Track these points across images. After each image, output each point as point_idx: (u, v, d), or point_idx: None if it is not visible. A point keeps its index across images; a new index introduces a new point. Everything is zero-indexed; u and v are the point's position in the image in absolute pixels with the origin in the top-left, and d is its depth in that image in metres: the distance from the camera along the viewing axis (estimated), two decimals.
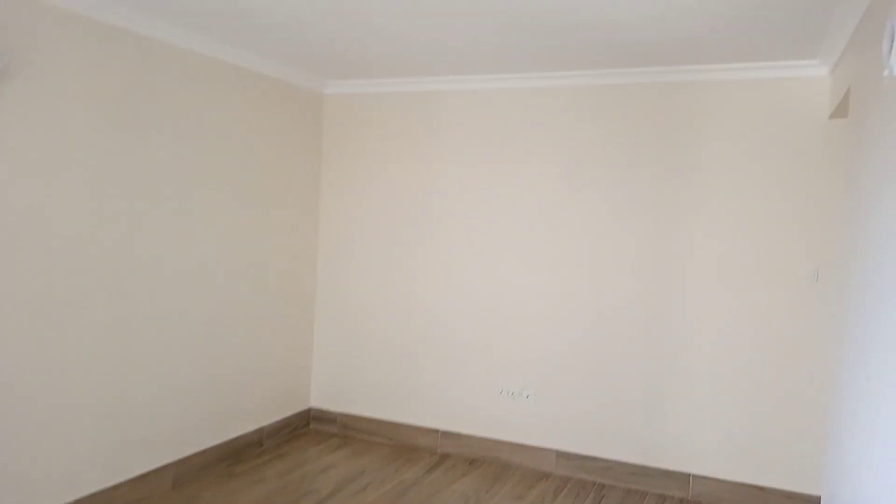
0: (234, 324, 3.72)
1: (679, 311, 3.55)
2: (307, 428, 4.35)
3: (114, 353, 3.04)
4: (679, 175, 3.55)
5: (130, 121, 3.06)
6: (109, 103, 2.96)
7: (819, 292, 3.30)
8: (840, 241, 3.25)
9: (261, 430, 3.95)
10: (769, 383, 3.39)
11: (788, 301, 3.35)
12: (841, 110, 2.99)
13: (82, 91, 2.84)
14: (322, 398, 4.37)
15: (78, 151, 2.84)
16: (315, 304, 4.38)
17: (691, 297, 3.53)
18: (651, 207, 3.60)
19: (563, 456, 3.77)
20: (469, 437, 3.98)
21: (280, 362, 4.10)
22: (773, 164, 3.38)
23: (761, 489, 3.40)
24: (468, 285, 4.00)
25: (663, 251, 3.58)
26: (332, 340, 4.34)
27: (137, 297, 3.14)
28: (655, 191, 3.59)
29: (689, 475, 3.53)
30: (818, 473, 3.29)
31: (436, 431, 4.06)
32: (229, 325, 3.69)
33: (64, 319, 2.82)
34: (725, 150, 3.46)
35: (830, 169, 3.28)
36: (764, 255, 3.40)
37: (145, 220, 3.16)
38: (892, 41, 1.57)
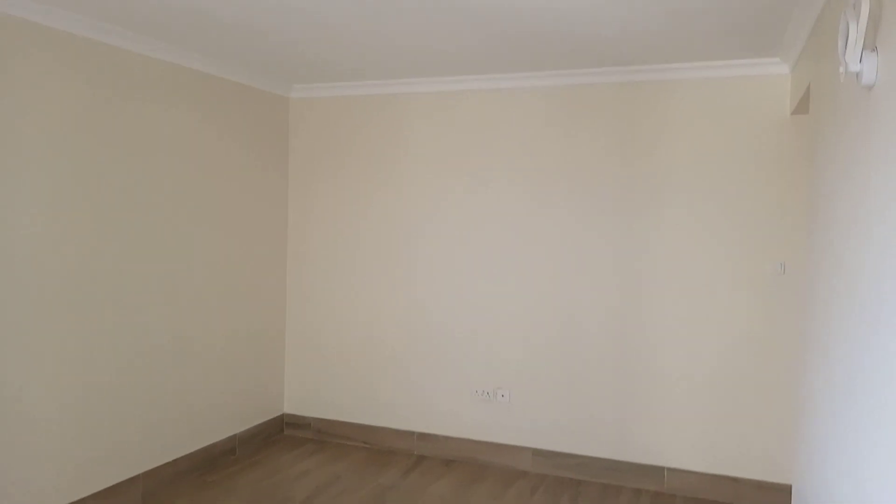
0: (201, 332, 3.66)
1: (649, 310, 3.59)
2: (281, 434, 4.31)
3: (77, 366, 2.97)
4: (644, 173, 3.58)
5: (90, 130, 3.00)
6: (68, 112, 2.89)
7: (786, 286, 3.36)
8: (804, 235, 3.32)
9: (234, 437, 3.90)
10: (739, 377, 3.44)
11: (756, 296, 3.41)
12: (802, 107, 3.05)
13: (39, 101, 2.77)
14: (296, 404, 4.33)
15: (35, 161, 2.77)
16: (285, 310, 4.33)
17: (660, 296, 3.57)
18: (618, 208, 3.63)
19: (539, 454, 3.78)
20: (445, 439, 3.97)
21: (251, 369, 4.05)
22: (737, 161, 3.43)
23: (734, 480, 3.45)
24: (440, 289, 3.99)
25: (632, 251, 3.61)
26: (304, 346, 4.30)
27: (101, 308, 3.07)
28: (622, 190, 3.63)
29: (663, 469, 3.57)
30: (789, 463, 3.35)
31: (412, 434, 4.05)
32: (197, 334, 3.63)
33: (25, 333, 2.75)
34: (690, 148, 3.51)
35: (794, 164, 3.34)
36: (731, 251, 3.45)
37: (107, 229, 3.10)
38: (847, 39, 1.61)
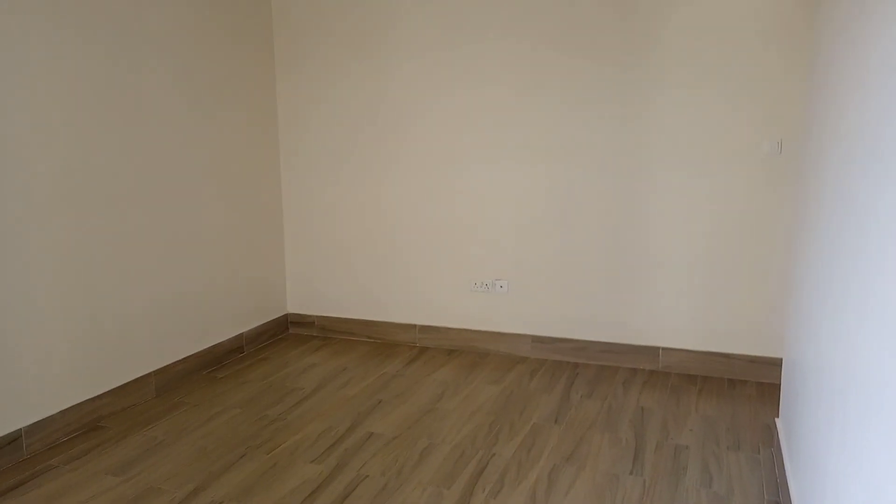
0: (199, 237, 3.67)
1: (643, 194, 3.58)
2: (287, 332, 4.41)
3: (78, 269, 3.00)
4: (640, 50, 3.48)
5: (74, 26, 2.88)
6: (49, 8, 2.77)
7: (782, 164, 3.34)
8: (803, 111, 3.27)
9: (240, 336, 3.99)
10: (732, 257, 3.48)
11: (752, 175, 3.39)
12: None
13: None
14: (299, 304, 4.40)
15: (20, 61, 2.68)
16: (282, 212, 4.33)
17: (654, 180, 3.55)
18: (612, 91, 3.56)
19: (538, 340, 3.89)
20: (447, 330, 4.07)
21: (252, 272, 4.09)
22: (736, 34, 3.32)
23: (726, 356, 3.56)
24: (436, 183, 3.97)
25: (625, 136, 3.57)
26: (304, 247, 4.33)
27: (96, 209, 3.06)
28: (617, 70, 3.54)
29: (658, 348, 3.68)
30: (779, 338, 3.45)
31: (413, 327, 4.14)
32: (194, 238, 3.65)
33: (21, 237, 2.75)
34: (684, 27, 3.39)
35: (795, 37, 3.24)
36: (727, 129, 3.40)
37: (96, 132, 3.04)
38: None
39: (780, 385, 3.45)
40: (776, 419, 2.80)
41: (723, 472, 2.59)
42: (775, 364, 3.48)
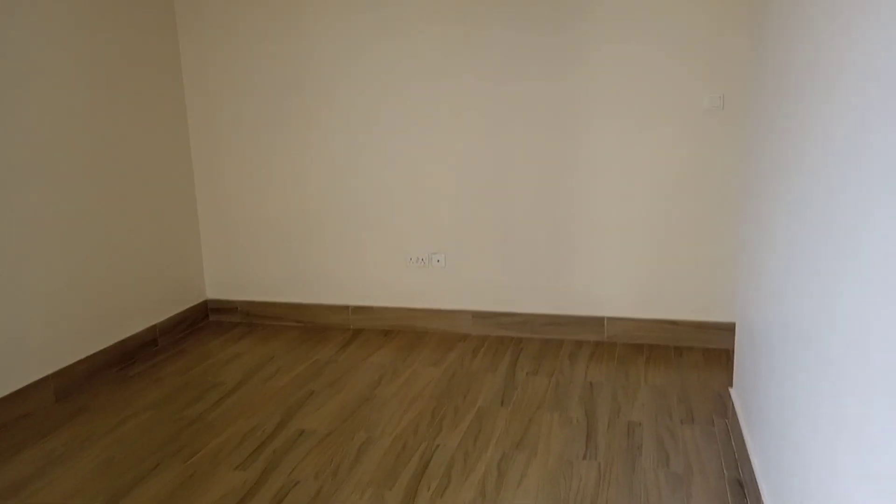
0: (100, 218, 3.27)
1: (580, 159, 3.39)
2: (206, 321, 4.06)
3: None
4: (573, 9, 3.26)
5: None
6: None
7: (725, 120, 3.21)
8: (748, 63, 3.13)
9: (153, 328, 3.62)
10: (675, 220, 3.35)
11: (692, 132, 3.25)
12: None
13: None
14: (219, 289, 4.05)
15: None
16: (194, 187, 3.94)
17: (592, 140, 3.36)
18: (544, 51, 3.33)
19: (479, 316, 3.69)
20: (382, 310, 3.81)
21: (163, 256, 3.71)
22: None
23: (673, 323, 3.45)
24: (363, 152, 3.67)
25: (561, 95, 3.36)
26: (221, 227, 3.96)
27: None
28: (550, 29, 3.31)
29: (602, 318, 3.53)
30: (727, 303, 3.36)
31: (346, 308, 3.87)
32: (95, 221, 3.24)
33: None
34: None
35: None
36: (665, 87, 3.24)
37: None
38: None
39: (727, 351, 3.37)
40: (730, 388, 2.69)
41: (679, 449, 2.46)
42: (722, 329, 3.39)
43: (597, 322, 3.54)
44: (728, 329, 3.38)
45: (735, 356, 2.66)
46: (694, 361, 3.25)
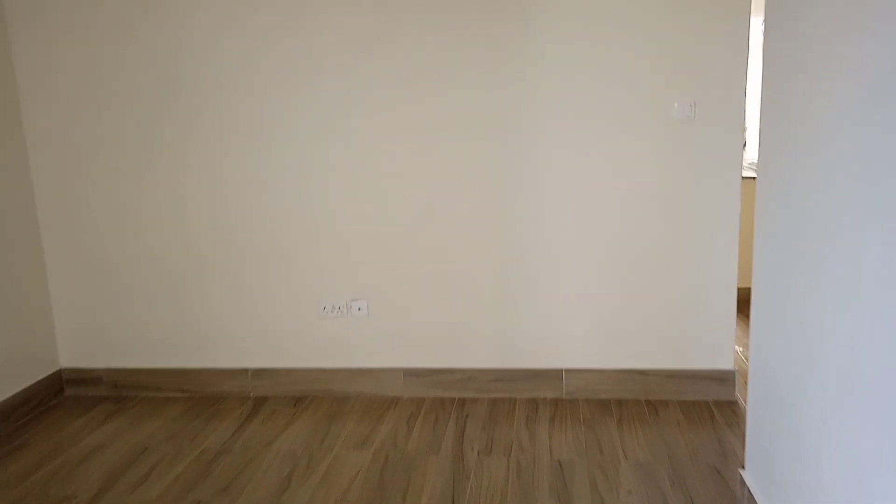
0: None
1: (530, 179, 2.81)
2: (61, 396, 3.17)
3: None
4: (519, 15, 2.68)
5: None
6: None
7: (697, 130, 2.71)
8: (726, 67, 2.65)
9: None
10: (643, 248, 2.82)
11: (660, 146, 2.74)
12: None
13: None
14: (77, 355, 3.17)
15: None
16: (38, 225, 3.06)
17: (542, 159, 2.79)
18: (493, 55, 2.73)
19: (411, 374, 3.02)
20: (290, 372, 3.07)
21: (1, 314, 2.82)
22: None
23: (642, 373, 2.91)
24: (260, 178, 2.93)
25: (504, 104, 2.76)
26: (77, 275, 3.10)
27: None
28: (492, 23, 2.71)
29: (560, 371, 2.95)
30: (704, 347, 2.85)
31: (245, 371, 3.10)
32: None
33: None
34: None
35: None
36: (629, 93, 2.71)
37: None
38: None
39: (707, 404, 2.86)
40: (741, 471, 2.15)
41: None
42: (698, 378, 2.88)
43: (554, 375, 2.95)
44: (707, 378, 2.87)
45: (748, 430, 2.12)
46: (673, 420, 2.72)
